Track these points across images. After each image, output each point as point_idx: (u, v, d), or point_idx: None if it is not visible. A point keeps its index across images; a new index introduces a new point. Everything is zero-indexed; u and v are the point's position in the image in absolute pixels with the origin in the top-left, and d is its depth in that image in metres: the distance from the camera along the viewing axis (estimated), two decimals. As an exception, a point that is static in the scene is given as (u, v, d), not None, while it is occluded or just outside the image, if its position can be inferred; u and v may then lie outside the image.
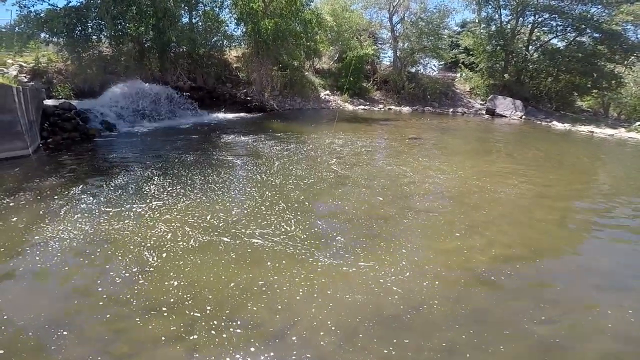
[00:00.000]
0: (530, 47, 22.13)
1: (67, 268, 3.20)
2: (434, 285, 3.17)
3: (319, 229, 4.15)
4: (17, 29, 11.45)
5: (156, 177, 5.78)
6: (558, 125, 17.56)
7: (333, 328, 2.56)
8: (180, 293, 2.87)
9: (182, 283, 3.01)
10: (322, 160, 7.52)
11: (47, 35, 12.14)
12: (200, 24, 15.14)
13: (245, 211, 4.52)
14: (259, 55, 15.83)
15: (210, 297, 2.85)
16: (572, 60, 20.41)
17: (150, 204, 4.59)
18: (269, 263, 3.35)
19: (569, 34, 21.01)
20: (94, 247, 3.51)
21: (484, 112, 21.01)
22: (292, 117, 15.33)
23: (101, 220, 4.07)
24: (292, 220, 4.25)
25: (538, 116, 19.55)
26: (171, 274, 3.13)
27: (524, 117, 19.48)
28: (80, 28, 12.09)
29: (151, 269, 3.19)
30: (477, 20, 23.64)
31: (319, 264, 3.37)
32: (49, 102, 9.55)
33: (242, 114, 14.80)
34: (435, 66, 26.64)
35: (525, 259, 3.78)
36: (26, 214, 4.18)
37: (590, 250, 4.30)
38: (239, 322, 2.57)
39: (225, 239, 3.76)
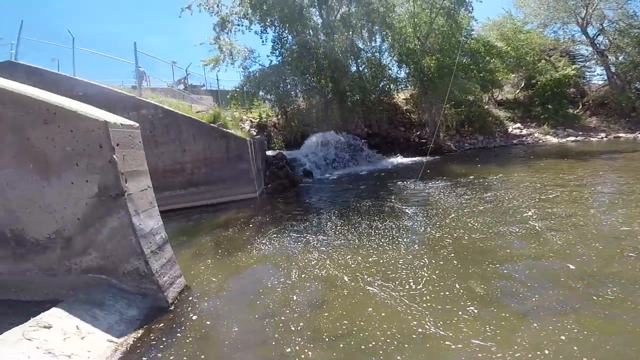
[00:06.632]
0: None
1: (259, 284, 4.19)
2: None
3: (448, 294, 3.50)
4: (244, 88, 15.44)
5: (333, 218, 6.85)
6: None
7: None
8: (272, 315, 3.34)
9: (283, 307, 3.53)
10: (514, 212, 6.14)
11: (263, 93, 15.67)
12: (366, 71, 16.32)
13: (381, 260, 4.54)
14: (427, 94, 15.49)
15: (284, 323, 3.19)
16: None
17: (318, 237, 5.67)
18: (369, 309, 3.31)
19: None
20: (276, 265, 4.73)
21: None
22: (474, 157, 13.88)
23: (285, 240, 5.67)
24: (423, 279, 3.86)
25: None
26: (288, 292, 3.81)
27: None
28: (282, 85, 15.09)
29: (282, 285, 3.99)
30: None
31: (418, 330, 2.90)
32: (269, 152, 12.39)
33: (417, 158, 14.51)
34: (682, 78, 18.46)
35: None
36: (251, 235, 6.14)
37: None
38: None
39: (346, 277, 4.05)
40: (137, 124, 3.62)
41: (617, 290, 3.20)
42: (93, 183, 3.15)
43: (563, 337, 2.63)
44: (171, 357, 2.82)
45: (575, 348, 2.49)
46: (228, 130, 9.07)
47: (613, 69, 18.36)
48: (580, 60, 20.77)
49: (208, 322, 3.33)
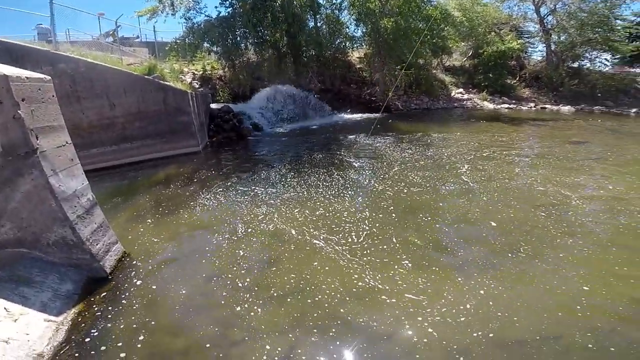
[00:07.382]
0: None
1: (205, 243, 4.06)
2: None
3: (387, 247, 3.79)
4: (186, 40, 13.98)
5: (283, 171, 6.80)
6: None
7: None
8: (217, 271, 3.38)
9: (229, 259, 3.65)
10: (450, 168, 6.70)
11: (208, 45, 14.41)
12: (324, 27, 15.92)
13: (327, 213, 4.68)
14: (380, 55, 15.53)
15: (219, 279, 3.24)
16: None
17: (267, 190, 5.68)
18: (315, 264, 3.46)
19: None
20: (222, 221, 4.64)
21: (690, 114, 15.15)
22: (419, 117, 14.69)
23: (231, 196, 5.55)
24: (365, 233, 4.10)
25: None
26: (235, 249, 3.82)
27: None
28: (231, 37, 13.99)
29: (229, 243, 3.98)
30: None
31: (359, 284, 3.15)
32: (213, 105, 11.57)
33: (366, 114, 14.97)
34: (607, 60, 21.00)
35: None
36: (195, 191, 5.87)
37: None
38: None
39: (293, 232, 4.16)
40: (48, 77, 3.21)
41: (529, 248, 3.71)
42: (-6, 142, 2.67)
43: (482, 292, 3.01)
44: (121, 326, 2.68)
45: (491, 303, 2.86)
46: (165, 83, 8.32)
47: (553, 47, 19.96)
48: (527, 36, 22.18)
49: (154, 287, 3.19)
